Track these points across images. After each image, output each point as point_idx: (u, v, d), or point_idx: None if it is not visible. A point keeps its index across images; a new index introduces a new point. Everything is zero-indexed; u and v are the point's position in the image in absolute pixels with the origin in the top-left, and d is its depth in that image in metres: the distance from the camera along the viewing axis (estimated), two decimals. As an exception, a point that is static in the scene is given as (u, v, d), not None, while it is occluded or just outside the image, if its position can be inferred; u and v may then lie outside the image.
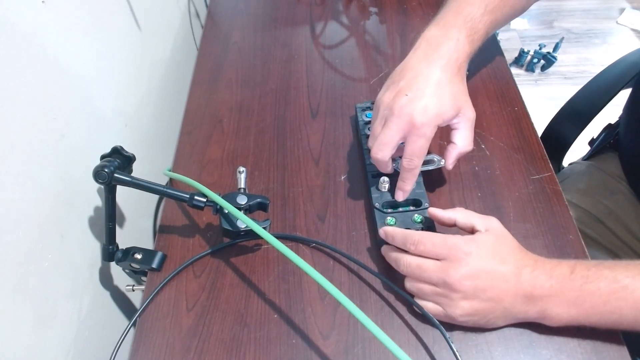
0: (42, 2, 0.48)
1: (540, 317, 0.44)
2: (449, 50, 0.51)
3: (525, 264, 0.44)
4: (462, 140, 0.52)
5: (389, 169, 0.53)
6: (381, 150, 0.51)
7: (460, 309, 0.44)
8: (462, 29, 0.52)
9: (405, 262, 0.47)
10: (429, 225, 0.52)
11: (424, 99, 0.49)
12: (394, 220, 0.52)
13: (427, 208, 0.53)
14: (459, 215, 0.48)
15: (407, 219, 0.52)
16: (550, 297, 0.42)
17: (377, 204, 0.54)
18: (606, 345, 0.45)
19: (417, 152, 0.50)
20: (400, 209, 0.54)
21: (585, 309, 0.42)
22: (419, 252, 0.46)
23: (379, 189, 0.55)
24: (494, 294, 0.43)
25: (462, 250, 0.44)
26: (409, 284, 0.48)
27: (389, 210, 0.53)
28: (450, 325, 0.47)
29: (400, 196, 0.53)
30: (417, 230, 0.50)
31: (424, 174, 0.56)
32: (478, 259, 0.44)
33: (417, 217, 0.52)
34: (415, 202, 0.54)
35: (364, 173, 0.59)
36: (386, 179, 0.55)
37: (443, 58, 0.51)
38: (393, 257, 0.49)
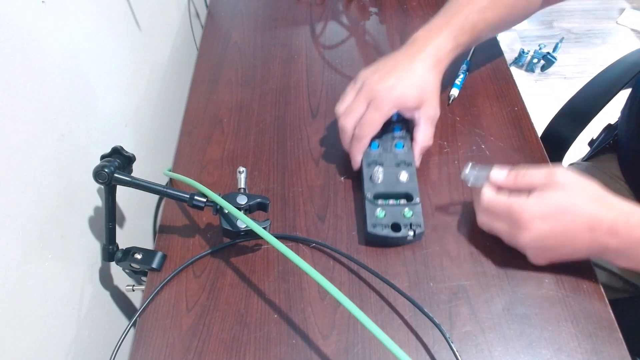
0: (42, 2, 0.48)
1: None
2: (430, 47, 0.56)
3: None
4: (421, 136, 0.56)
5: (348, 141, 0.57)
6: (347, 117, 0.55)
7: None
8: (445, 29, 0.56)
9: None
10: (418, 222, 0.52)
11: (391, 80, 0.54)
12: (383, 213, 0.52)
13: (418, 203, 0.53)
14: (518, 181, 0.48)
15: (398, 212, 0.52)
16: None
17: (368, 194, 0.54)
18: (606, 345, 0.45)
19: (368, 122, 0.54)
20: (392, 202, 0.54)
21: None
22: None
23: (372, 180, 0.55)
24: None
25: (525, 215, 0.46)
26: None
27: (380, 202, 0.53)
28: (450, 325, 0.47)
29: (353, 165, 0.57)
30: (406, 225, 0.51)
31: (422, 170, 0.56)
32: (545, 224, 0.45)
33: (408, 212, 0.52)
34: (406, 196, 0.54)
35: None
36: (380, 169, 0.55)
37: (423, 53, 0.55)
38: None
